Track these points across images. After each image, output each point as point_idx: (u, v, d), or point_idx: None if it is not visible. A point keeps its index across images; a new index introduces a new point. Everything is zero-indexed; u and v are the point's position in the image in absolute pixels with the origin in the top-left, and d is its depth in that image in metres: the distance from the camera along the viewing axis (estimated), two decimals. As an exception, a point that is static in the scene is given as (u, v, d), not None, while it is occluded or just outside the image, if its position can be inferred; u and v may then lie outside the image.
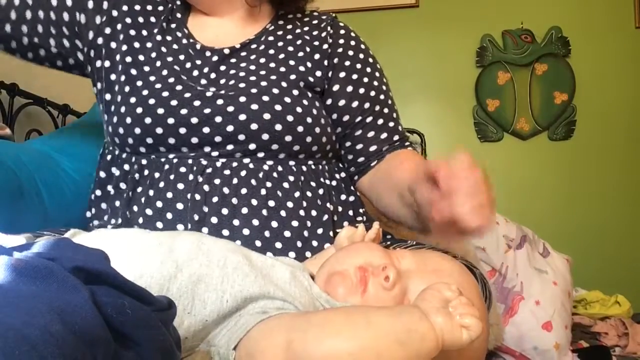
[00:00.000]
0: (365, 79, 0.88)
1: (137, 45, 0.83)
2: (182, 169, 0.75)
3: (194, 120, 0.75)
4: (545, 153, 2.41)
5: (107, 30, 0.84)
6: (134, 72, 0.81)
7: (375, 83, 0.90)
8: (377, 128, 0.88)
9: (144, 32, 0.85)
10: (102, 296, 0.33)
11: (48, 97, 1.51)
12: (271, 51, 0.85)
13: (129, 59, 0.82)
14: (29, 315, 0.28)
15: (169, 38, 0.86)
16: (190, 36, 0.86)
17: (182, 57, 0.83)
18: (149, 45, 0.84)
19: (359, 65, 0.89)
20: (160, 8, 0.89)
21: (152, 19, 0.87)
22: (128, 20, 0.85)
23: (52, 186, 0.94)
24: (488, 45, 2.48)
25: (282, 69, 0.82)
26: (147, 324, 0.35)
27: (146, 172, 0.78)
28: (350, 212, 0.84)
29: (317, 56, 0.86)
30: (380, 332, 0.41)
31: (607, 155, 2.35)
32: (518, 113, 2.44)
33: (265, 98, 0.76)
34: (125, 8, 0.86)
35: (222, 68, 0.82)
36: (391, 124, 0.89)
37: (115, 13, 0.85)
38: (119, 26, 0.84)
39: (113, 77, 0.83)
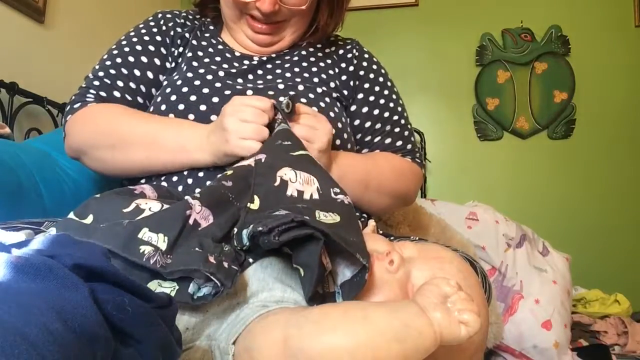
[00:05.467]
0: (382, 101, 0.94)
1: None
2: None
3: (227, 92, 0.80)
4: (544, 152, 2.41)
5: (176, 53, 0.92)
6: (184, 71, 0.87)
7: (391, 105, 0.95)
8: (385, 147, 0.93)
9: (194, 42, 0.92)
10: (102, 294, 0.33)
11: (48, 96, 1.51)
12: (304, 63, 0.91)
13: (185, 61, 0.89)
14: (28, 313, 0.28)
15: (203, 43, 0.92)
16: (225, 44, 0.93)
17: (218, 58, 0.89)
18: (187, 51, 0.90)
19: (377, 88, 0.94)
20: (196, 23, 0.96)
21: (187, 35, 0.93)
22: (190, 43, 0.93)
23: (51, 185, 0.94)
24: (488, 44, 2.48)
25: (315, 80, 0.88)
26: (147, 321, 0.35)
27: None
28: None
29: (344, 77, 0.92)
30: (377, 328, 0.41)
31: (607, 153, 2.35)
32: (518, 112, 2.44)
33: (304, 100, 0.81)
34: (179, 30, 0.93)
35: (259, 72, 0.89)
36: (399, 143, 0.94)
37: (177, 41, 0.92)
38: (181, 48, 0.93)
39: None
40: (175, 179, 0.77)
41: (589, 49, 2.39)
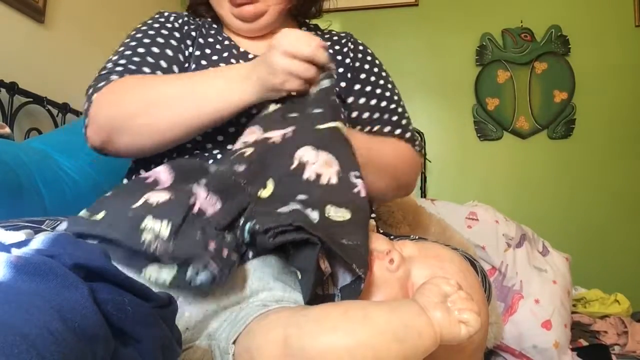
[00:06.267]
0: (378, 91, 0.94)
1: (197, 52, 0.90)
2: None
3: (242, 119, 0.78)
4: (544, 152, 2.41)
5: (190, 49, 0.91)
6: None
7: (387, 94, 0.95)
8: (383, 135, 0.92)
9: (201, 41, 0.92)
10: (102, 293, 0.33)
11: (48, 95, 1.51)
12: None
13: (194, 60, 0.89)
14: (28, 313, 0.28)
15: (210, 40, 0.91)
16: (230, 39, 0.92)
17: (225, 54, 0.88)
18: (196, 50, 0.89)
19: (372, 79, 0.94)
20: (199, 22, 0.96)
21: (192, 33, 0.92)
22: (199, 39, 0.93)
23: (52, 185, 0.94)
24: (488, 43, 2.48)
25: None
26: (147, 321, 0.35)
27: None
28: None
29: (341, 69, 0.92)
30: (377, 328, 0.41)
31: (607, 153, 2.35)
32: (518, 112, 2.44)
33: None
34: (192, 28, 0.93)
35: None
36: (398, 131, 0.93)
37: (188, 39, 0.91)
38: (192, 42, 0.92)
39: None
40: (206, 154, 0.77)
41: (589, 49, 2.40)
